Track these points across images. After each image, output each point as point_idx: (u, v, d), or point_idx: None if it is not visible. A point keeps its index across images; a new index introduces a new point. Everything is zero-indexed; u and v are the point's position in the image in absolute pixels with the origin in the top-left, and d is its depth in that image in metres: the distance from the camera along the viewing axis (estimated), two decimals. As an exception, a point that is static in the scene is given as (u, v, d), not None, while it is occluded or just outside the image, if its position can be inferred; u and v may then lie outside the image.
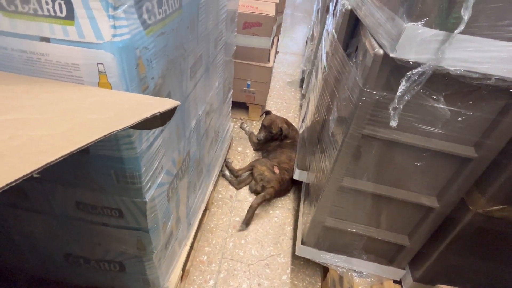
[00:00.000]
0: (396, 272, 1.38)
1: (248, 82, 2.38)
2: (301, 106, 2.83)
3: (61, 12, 0.55)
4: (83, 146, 0.25)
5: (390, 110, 0.81)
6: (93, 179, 0.81)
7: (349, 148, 1.05)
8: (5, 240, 1.06)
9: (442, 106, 0.86)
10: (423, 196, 1.12)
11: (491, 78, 0.77)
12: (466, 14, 0.65)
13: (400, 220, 1.23)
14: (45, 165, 0.21)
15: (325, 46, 1.64)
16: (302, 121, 2.20)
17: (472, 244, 1.13)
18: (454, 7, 0.68)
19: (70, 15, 0.56)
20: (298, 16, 5.21)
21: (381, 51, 0.82)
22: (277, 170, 1.91)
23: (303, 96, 2.83)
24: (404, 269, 1.37)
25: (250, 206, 1.76)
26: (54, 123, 0.30)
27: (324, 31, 1.91)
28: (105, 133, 0.29)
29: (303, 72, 3.15)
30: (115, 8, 0.56)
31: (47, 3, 0.55)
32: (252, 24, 2.10)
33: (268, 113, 2.27)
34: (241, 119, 2.60)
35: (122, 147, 0.72)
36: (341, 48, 1.21)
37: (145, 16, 0.65)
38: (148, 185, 0.83)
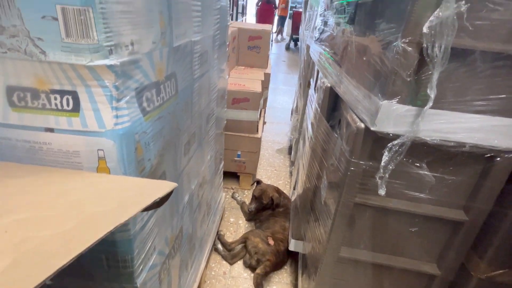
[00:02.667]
0: None
1: (239, 152, 2.45)
2: (291, 173, 2.88)
3: (67, 105, 0.60)
4: (92, 244, 0.26)
5: (377, 179, 0.85)
6: (81, 265, 0.78)
7: (343, 217, 1.06)
8: None
9: (426, 172, 0.91)
10: (423, 263, 1.09)
11: (466, 145, 0.83)
12: (432, 93, 0.74)
13: (404, 291, 1.18)
14: (58, 269, 0.21)
15: (309, 117, 1.76)
16: (294, 188, 2.22)
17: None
18: (421, 87, 0.77)
19: (76, 108, 0.60)
20: (281, 89, 5.61)
21: (362, 125, 0.89)
22: (271, 241, 1.85)
23: (292, 163, 2.89)
24: None
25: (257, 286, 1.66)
26: (62, 219, 0.31)
27: (308, 102, 2.06)
28: (111, 228, 0.30)
29: (290, 140, 3.28)
30: (118, 100, 0.61)
31: (55, 99, 0.60)
32: (241, 99, 2.26)
33: (258, 182, 2.29)
34: (232, 188, 2.60)
35: (116, 230, 0.71)
36: (325, 121, 1.30)
37: (145, 104, 0.71)
38: (140, 268, 0.80)
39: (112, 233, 0.71)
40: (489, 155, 0.85)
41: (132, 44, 0.63)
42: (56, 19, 0.52)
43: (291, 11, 9.86)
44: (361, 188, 0.98)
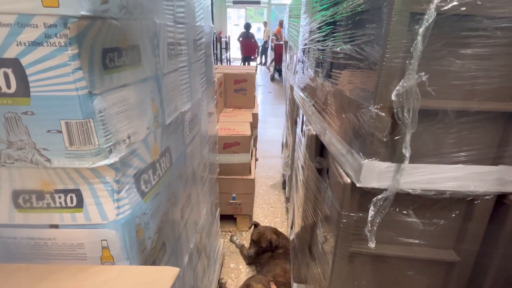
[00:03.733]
0: None
1: (234, 195, 2.48)
2: (287, 209, 2.89)
3: (71, 203, 0.64)
4: None
5: (366, 232, 0.90)
6: None
7: (341, 266, 1.08)
8: None
9: (413, 219, 0.96)
10: (424, 305, 1.11)
11: (445, 193, 0.89)
12: (407, 152, 0.81)
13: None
14: None
15: (300, 158, 1.81)
16: (291, 228, 2.23)
17: None
18: (397, 146, 0.84)
19: (80, 204, 0.64)
20: (270, 121, 5.74)
21: (348, 180, 0.94)
22: (273, 286, 1.83)
23: (287, 199, 2.91)
24: None
25: None
26: None
27: (296, 139, 2.12)
28: None
29: (283, 175, 3.32)
30: (119, 192, 0.66)
31: (59, 197, 0.64)
32: (232, 144, 2.32)
33: (256, 226, 2.29)
34: (230, 231, 2.60)
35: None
36: (314, 170, 1.35)
37: (143, 187, 0.75)
38: None
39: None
40: (469, 198, 0.91)
41: (129, 137, 0.69)
42: (60, 131, 0.57)
43: (272, 44, 10.32)
44: (355, 237, 1.02)
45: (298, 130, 2.05)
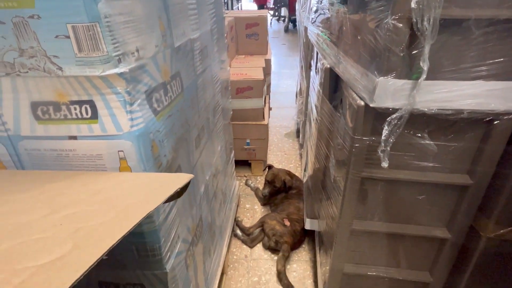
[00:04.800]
0: (427, 313, 1.33)
1: (248, 141, 2.51)
2: (301, 155, 2.92)
3: (87, 114, 0.66)
4: (133, 227, 0.32)
5: (379, 152, 0.89)
6: (115, 257, 0.85)
7: (352, 192, 1.11)
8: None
9: (428, 142, 0.94)
10: (434, 229, 1.14)
11: (463, 112, 0.86)
12: (425, 66, 0.77)
13: (418, 256, 1.23)
14: (111, 246, 0.27)
15: (313, 99, 1.78)
16: (304, 170, 2.27)
17: (494, 272, 1.12)
18: (415, 61, 0.80)
19: (94, 115, 0.66)
20: (284, 73, 5.59)
21: (362, 103, 0.92)
22: (287, 222, 1.92)
23: (301, 146, 2.94)
24: (434, 308, 1.32)
25: (279, 273, 1.73)
26: (102, 212, 0.36)
27: (310, 84, 2.08)
28: (144, 214, 0.35)
29: (297, 123, 3.31)
30: (131, 104, 0.67)
31: (75, 109, 0.66)
32: (244, 88, 2.29)
33: (270, 167, 2.34)
34: (245, 176, 2.67)
35: (142, 222, 0.78)
36: (327, 102, 1.33)
37: (155, 105, 0.76)
38: (168, 255, 0.87)
39: (139, 225, 0.78)
40: (488, 119, 0.88)
41: (137, 50, 0.68)
42: (68, 37, 0.57)
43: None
44: (367, 162, 1.02)
45: (312, 72, 2.00)
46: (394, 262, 1.27)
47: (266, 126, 2.49)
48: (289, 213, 2.00)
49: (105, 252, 0.27)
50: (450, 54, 0.81)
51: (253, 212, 2.27)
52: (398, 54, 0.80)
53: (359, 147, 0.99)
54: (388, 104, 0.86)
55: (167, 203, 0.85)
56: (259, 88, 2.32)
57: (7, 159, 0.71)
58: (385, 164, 0.90)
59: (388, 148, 0.88)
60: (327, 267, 1.39)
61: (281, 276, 1.71)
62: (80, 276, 0.24)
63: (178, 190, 0.49)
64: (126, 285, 0.90)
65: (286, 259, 1.78)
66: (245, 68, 2.53)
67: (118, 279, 0.89)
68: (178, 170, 0.93)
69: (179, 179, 0.59)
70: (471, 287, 1.17)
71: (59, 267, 0.24)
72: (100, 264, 0.87)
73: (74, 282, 0.22)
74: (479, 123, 0.91)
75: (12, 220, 0.33)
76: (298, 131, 3.31)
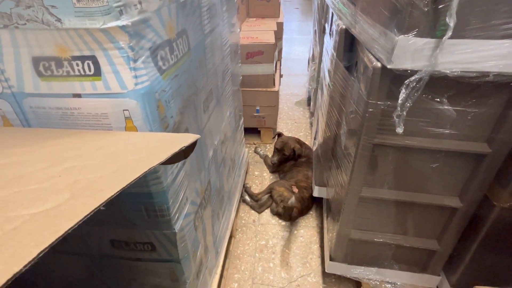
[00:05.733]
0: (432, 279, 1.35)
1: (257, 108, 2.47)
2: (311, 124, 2.88)
3: (89, 70, 0.63)
4: (133, 181, 0.30)
5: (395, 117, 0.85)
6: (125, 216, 0.87)
7: (363, 159, 1.08)
8: (46, 285, 1.11)
9: (446, 107, 0.89)
10: (445, 198, 1.12)
11: (489, 75, 0.80)
12: (451, 22, 0.70)
13: (426, 225, 1.22)
14: (110, 197, 0.26)
15: (326, 64, 1.71)
16: (314, 138, 2.24)
17: (505, 241, 1.10)
18: (440, 16, 0.73)
19: (98, 72, 0.63)
20: (296, 39, 5.38)
21: (378, 64, 0.87)
22: (295, 189, 1.93)
23: (312, 114, 2.88)
24: (439, 275, 1.34)
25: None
26: (103, 166, 0.35)
27: (324, 49, 1.99)
28: (146, 169, 0.34)
29: (308, 91, 3.23)
30: (135, 61, 0.64)
31: (77, 65, 0.63)
32: (255, 53, 2.22)
33: (279, 135, 2.32)
34: (254, 143, 2.66)
35: (150, 183, 0.78)
36: (341, 65, 1.27)
37: (160, 63, 0.73)
38: (176, 216, 0.88)
39: (148, 186, 0.78)
40: (515, 82, 0.82)
41: (140, 2, 0.64)
42: (65, -16, 0.53)
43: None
44: (380, 128, 0.99)
45: (326, 36, 1.91)
46: (401, 229, 1.27)
47: (277, 93, 2.43)
48: (298, 181, 2.00)
49: (102, 203, 0.26)
50: (479, 9, 0.74)
51: (261, 179, 2.28)
52: (422, 9, 0.73)
53: (373, 113, 0.95)
54: (407, 65, 0.80)
55: (175, 165, 0.85)
56: (270, 52, 2.24)
57: (14, 117, 0.70)
58: (399, 130, 0.86)
59: (404, 113, 0.84)
60: (334, 233, 1.41)
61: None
62: (74, 225, 0.23)
63: (183, 148, 0.47)
64: (136, 243, 0.92)
65: (295, 213, 1.83)
66: (256, 32, 2.42)
67: (129, 238, 0.91)
68: (186, 133, 0.91)
69: (185, 139, 0.57)
70: (479, 256, 1.16)
71: (53, 215, 0.23)
72: (111, 222, 0.88)
73: (67, 230, 0.21)
74: (504, 88, 0.85)
75: (11, 171, 0.32)
76: (309, 99, 3.24)
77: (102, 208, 0.27)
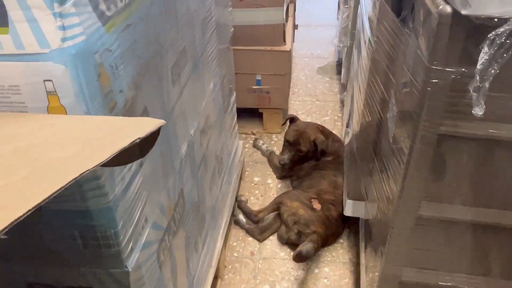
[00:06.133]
0: None
1: (258, 77, 2.46)
2: (342, 103, 2.88)
3: (-11, 17, 0.63)
4: (51, 195, 0.30)
5: (471, 91, 0.85)
6: (49, 247, 0.87)
7: (423, 158, 1.08)
8: None
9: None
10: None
11: None
12: None
13: (520, 261, 1.23)
14: (12, 222, 0.25)
15: (366, 10, 1.70)
16: (347, 126, 2.24)
17: None
18: None
19: (4, 21, 0.63)
20: (320, -31, 5.36)
21: (448, 9, 0.87)
22: (317, 205, 1.93)
23: (343, 87, 2.88)
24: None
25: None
26: (7, 169, 0.35)
27: (363, -14, 1.98)
28: (75, 175, 0.33)
29: (338, 51, 3.22)
30: (62, 2, 0.63)
31: (-31, 8, 0.62)
32: (254, -9, 2.21)
33: (293, 120, 2.32)
34: (253, 133, 2.67)
35: (88, 195, 0.77)
36: (390, 11, 1.26)
37: (103, 6, 0.72)
38: (129, 246, 0.88)
39: (84, 200, 0.78)
40: None
41: None
42: None
43: None
44: (450, 110, 0.98)
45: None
46: (482, 268, 1.27)
47: (289, 54, 2.42)
48: (321, 191, 2.01)
49: (3, 229, 0.25)
50: None
51: (264, 188, 2.29)
52: None
53: (438, 85, 0.95)
54: (493, 10, 0.80)
55: (127, 167, 0.84)
56: (278, -10, 2.23)
57: None
58: (479, 111, 0.86)
59: (487, 85, 0.84)
60: (376, 273, 1.41)
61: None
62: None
63: (138, 141, 0.47)
64: (67, 288, 0.93)
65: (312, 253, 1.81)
66: (256, -42, 2.41)
67: (56, 280, 0.92)
68: (144, 115, 0.91)
69: (142, 126, 0.57)
70: None
71: None
72: (27, 257, 0.88)
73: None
74: None
75: None
76: (339, 64, 3.24)
77: (2, 236, 0.26)
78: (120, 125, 0.57)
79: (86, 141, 0.47)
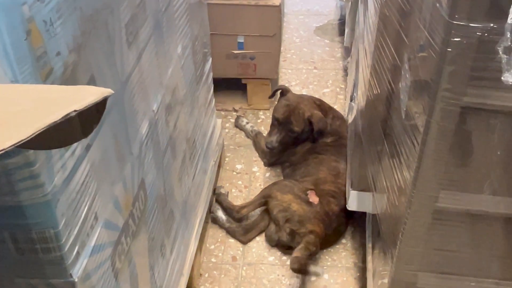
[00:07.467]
0: None
1: (240, 40, 2.45)
2: (345, 70, 2.88)
3: None
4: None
5: (501, 53, 0.85)
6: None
7: (442, 137, 1.08)
8: None
9: None
10: None
11: None
12: None
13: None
14: None
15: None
16: (351, 100, 2.24)
17: None
18: None
19: None
20: None
21: None
22: (314, 198, 1.94)
23: (347, 52, 2.88)
24: None
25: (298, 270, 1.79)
26: None
27: None
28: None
29: (340, 6, 3.21)
30: None
31: None
32: None
33: (283, 93, 2.31)
34: (235, 110, 2.66)
35: (19, 187, 0.76)
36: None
37: None
38: (75, 251, 0.87)
39: (14, 193, 0.77)
40: None
41: None
42: None
43: None
44: (475, 77, 0.98)
45: None
46: (514, 271, 1.29)
47: (278, 9, 2.41)
48: (319, 181, 2.02)
49: None
50: None
51: (249, 177, 2.30)
52: None
53: (461, 45, 0.94)
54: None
55: (69, 151, 0.83)
56: None
57: None
58: (510, 78, 0.86)
59: (521, 45, 0.84)
60: (386, 279, 1.42)
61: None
62: None
63: (73, 114, 0.45)
64: (-2, 304, 0.92)
65: (309, 255, 1.82)
66: None
67: (-17, 294, 0.91)
68: (91, 85, 0.89)
69: (82, 95, 0.55)
70: None
71: None
72: None
73: None
74: None
75: None
76: (342, 23, 3.23)
77: None
78: (54, 96, 0.55)
79: (4, 115, 0.45)
